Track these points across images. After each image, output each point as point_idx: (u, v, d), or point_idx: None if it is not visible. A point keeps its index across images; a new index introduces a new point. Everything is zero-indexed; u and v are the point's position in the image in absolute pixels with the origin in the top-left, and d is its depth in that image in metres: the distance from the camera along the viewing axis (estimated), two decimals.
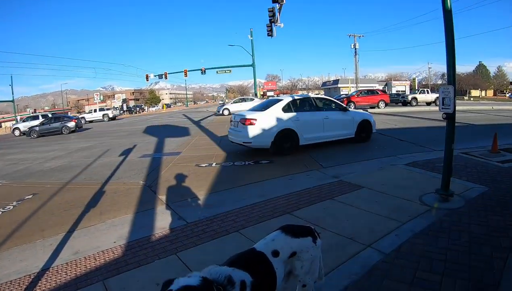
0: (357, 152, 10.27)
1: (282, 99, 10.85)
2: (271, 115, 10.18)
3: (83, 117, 44.26)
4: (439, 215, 4.69)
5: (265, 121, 10.01)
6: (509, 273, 3.12)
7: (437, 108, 6.08)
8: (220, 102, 72.90)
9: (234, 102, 37.88)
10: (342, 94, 47.45)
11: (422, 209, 4.99)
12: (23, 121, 37.17)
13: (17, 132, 34.75)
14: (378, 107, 32.32)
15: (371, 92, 35.76)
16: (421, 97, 39.14)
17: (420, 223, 4.46)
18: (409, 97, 39.59)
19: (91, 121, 45.52)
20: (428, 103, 37.10)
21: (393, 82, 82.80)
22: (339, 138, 11.43)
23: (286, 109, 10.44)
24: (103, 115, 46.82)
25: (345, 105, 12.64)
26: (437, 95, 37.64)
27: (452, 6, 5.06)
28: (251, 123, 9.94)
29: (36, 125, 29.32)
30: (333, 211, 5.18)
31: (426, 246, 3.77)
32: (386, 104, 33.73)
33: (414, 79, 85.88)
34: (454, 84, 4.99)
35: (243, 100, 37.36)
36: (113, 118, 48.17)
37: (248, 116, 10.13)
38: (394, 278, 3.15)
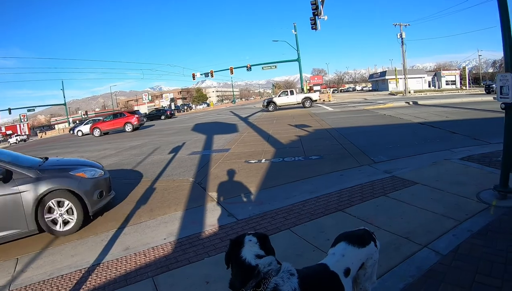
0: (408, 146, 9.93)
1: None
2: None
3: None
4: (497, 214, 4.41)
5: None
6: None
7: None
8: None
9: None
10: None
11: (480, 206, 4.71)
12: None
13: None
14: (126, 131, 30.29)
15: (116, 115, 33.37)
16: (281, 100, 36.35)
17: (478, 222, 4.22)
18: (265, 102, 37.04)
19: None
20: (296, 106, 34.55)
21: (443, 72, 78.80)
22: None
23: None
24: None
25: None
26: (305, 95, 36.33)
27: None
28: None
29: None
30: (387, 209, 5.05)
31: (485, 247, 3.56)
32: (136, 128, 30.74)
33: (464, 68, 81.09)
34: None
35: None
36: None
37: None
38: (452, 282, 3.02)
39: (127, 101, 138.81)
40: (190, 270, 3.89)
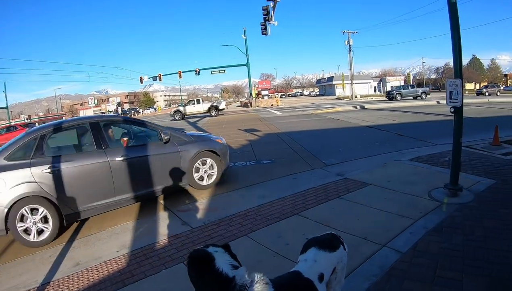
0: (358, 149, 10.22)
1: None
2: None
3: None
4: (450, 210, 4.66)
5: None
6: None
7: None
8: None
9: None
10: None
11: (433, 204, 4.95)
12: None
13: None
14: None
15: (9, 128, 31.78)
16: (189, 109, 37.55)
17: (432, 219, 4.42)
18: (173, 112, 38.21)
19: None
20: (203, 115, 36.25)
21: (388, 77, 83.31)
22: None
23: None
24: None
25: None
26: (211, 104, 38.17)
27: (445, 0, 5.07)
28: None
29: None
30: (342, 210, 5.14)
31: (442, 243, 3.73)
32: None
33: (408, 74, 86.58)
34: (461, 78, 4.96)
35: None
36: None
37: None
38: (414, 278, 3.11)
39: (72, 105, 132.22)
40: (147, 284, 3.69)
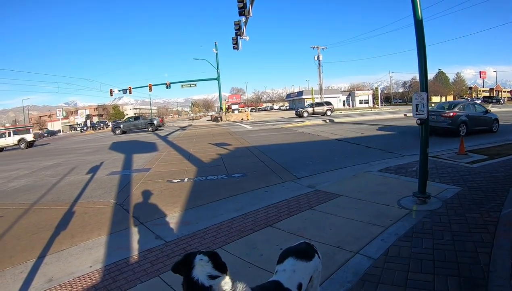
0: (328, 161, 10.43)
1: None
2: None
3: None
4: (419, 217, 4.85)
5: None
6: (495, 266, 3.27)
7: None
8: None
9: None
10: None
11: (402, 212, 5.14)
12: None
13: None
14: None
15: None
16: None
17: (402, 226, 4.58)
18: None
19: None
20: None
21: (357, 92, 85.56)
22: None
23: None
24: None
25: None
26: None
27: (412, 18, 5.37)
28: None
29: None
30: (315, 221, 5.22)
31: (413, 247, 3.88)
32: None
33: (376, 88, 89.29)
34: (427, 91, 5.23)
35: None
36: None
37: None
38: (388, 282, 3.21)
39: (40, 116, 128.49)
40: None
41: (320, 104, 44.83)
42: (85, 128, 74.84)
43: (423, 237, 4.16)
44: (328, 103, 45.13)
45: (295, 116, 42.84)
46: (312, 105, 44.73)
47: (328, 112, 42.27)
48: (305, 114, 41.73)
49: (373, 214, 5.19)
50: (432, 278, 3.17)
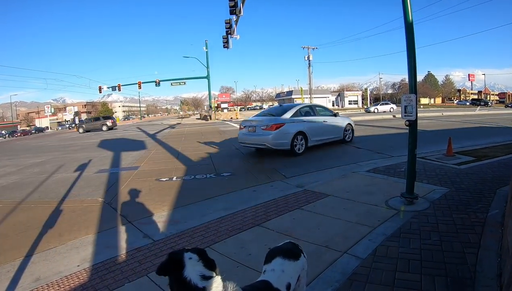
0: (318, 161, 10.47)
1: None
2: None
3: None
4: (407, 217, 4.88)
5: None
6: (482, 266, 3.31)
7: None
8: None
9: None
10: None
11: (390, 213, 5.17)
12: None
13: None
14: None
15: None
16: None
17: (390, 226, 4.61)
18: None
19: None
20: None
21: (346, 92, 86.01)
22: None
23: None
24: None
25: None
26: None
27: (402, 20, 5.40)
28: None
29: None
30: (303, 220, 5.23)
31: (400, 248, 3.91)
32: None
33: (366, 89, 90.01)
34: (416, 93, 5.27)
35: None
36: None
37: None
38: (376, 282, 3.23)
39: (28, 113, 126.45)
40: None
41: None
42: (73, 125, 73.93)
43: (411, 237, 4.19)
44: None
45: None
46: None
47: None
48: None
49: (361, 214, 5.22)
50: (419, 278, 3.19)
